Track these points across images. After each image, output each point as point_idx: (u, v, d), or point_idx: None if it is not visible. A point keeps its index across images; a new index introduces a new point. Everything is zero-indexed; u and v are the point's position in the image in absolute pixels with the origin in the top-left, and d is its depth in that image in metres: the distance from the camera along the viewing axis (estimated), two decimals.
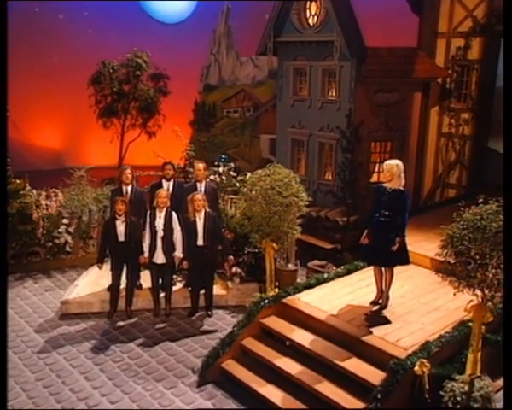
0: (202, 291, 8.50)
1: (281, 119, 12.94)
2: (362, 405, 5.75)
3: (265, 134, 15.41)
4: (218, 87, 18.27)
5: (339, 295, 7.47)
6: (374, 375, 5.92)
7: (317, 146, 12.00)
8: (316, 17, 11.67)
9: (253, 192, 7.33)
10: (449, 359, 6.05)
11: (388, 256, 6.85)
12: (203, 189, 8.67)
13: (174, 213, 8.14)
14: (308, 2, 11.71)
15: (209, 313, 8.46)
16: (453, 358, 6.06)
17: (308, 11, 11.78)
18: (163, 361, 7.26)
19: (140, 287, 8.84)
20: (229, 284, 8.81)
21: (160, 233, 8.08)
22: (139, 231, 8.14)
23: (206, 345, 7.60)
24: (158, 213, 8.11)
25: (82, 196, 10.17)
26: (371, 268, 8.35)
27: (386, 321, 6.77)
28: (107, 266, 8.46)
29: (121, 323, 8.24)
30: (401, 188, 6.82)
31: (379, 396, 5.51)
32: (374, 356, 6.14)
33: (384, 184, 6.95)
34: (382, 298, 7.14)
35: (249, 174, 9.44)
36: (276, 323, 7.13)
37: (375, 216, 6.92)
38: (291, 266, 8.38)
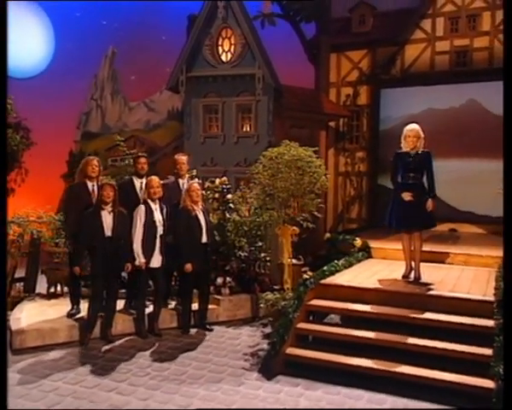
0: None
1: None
2: (471, 348, 5.33)
3: (165, 179, 14.28)
4: (101, 134, 16.43)
5: (367, 277, 7.00)
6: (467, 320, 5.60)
7: (233, 182, 11.58)
8: (229, 53, 11.79)
9: (277, 166, 6.70)
10: None
11: (421, 218, 6.73)
12: (186, 187, 7.53)
13: (164, 207, 6.87)
14: (220, 39, 11.81)
15: (208, 327, 7.07)
16: None
17: (220, 48, 11.84)
18: (202, 367, 5.72)
19: None
20: (218, 296, 7.58)
21: (160, 230, 6.69)
22: (128, 227, 6.60)
23: (235, 351, 6.28)
24: (153, 207, 6.75)
25: None
26: (369, 261, 8.28)
27: (435, 284, 6.54)
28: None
29: (107, 347, 6.32)
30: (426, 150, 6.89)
31: None
32: (455, 307, 5.81)
33: (403, 150, 6.90)
34: (414, 270, 6.91)
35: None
36: (325, 303, 6.31)
37: (397, 182, 6.86)
38: (295, 261, 7.63)
